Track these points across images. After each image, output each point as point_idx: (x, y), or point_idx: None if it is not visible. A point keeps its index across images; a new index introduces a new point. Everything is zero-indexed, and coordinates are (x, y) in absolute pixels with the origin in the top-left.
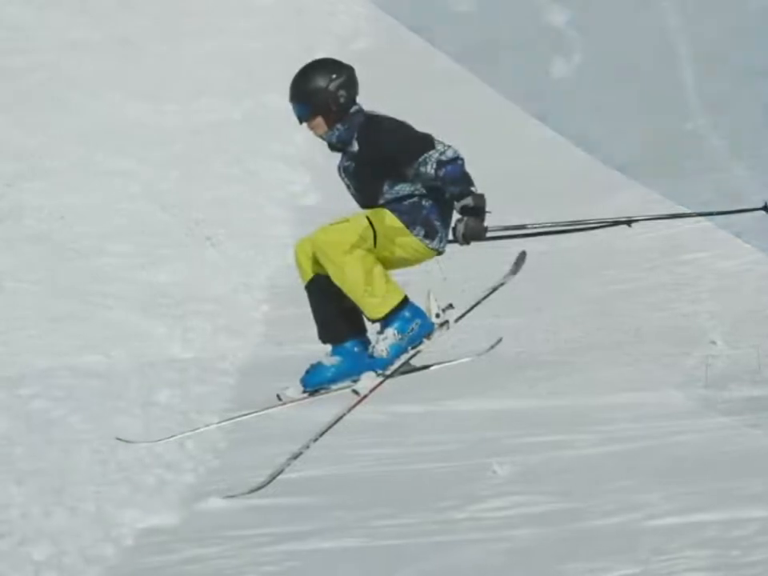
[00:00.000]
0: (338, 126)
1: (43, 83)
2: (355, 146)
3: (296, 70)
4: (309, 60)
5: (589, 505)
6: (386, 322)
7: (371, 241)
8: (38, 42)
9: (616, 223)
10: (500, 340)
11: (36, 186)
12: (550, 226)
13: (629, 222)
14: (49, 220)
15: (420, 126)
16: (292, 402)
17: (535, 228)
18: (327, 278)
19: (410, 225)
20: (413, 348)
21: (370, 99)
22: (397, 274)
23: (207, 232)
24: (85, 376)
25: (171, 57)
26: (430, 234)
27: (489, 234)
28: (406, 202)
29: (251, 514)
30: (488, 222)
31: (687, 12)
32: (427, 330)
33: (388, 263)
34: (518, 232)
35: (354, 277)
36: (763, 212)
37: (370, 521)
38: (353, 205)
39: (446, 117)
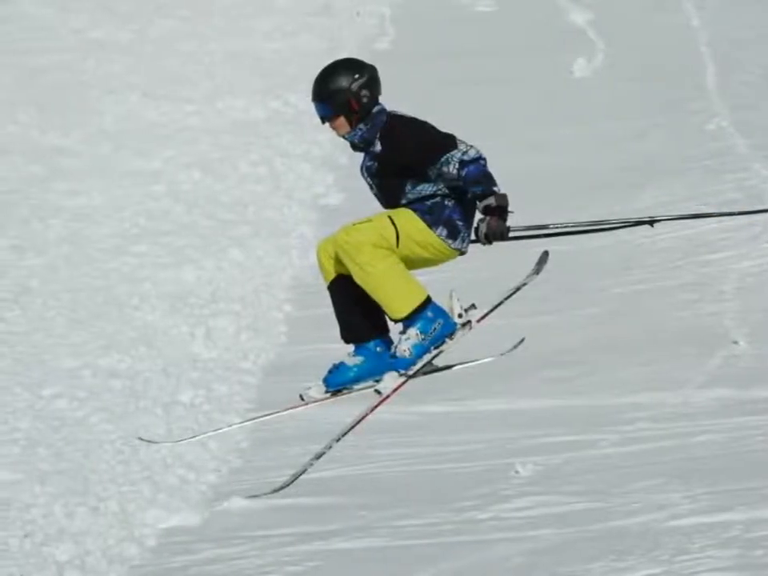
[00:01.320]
0: (361, 126)
1: (65, 83)
2: (378, 146)
3: (319, 70)
4: (332, 60)
5: (611, 505)
6: (408, 321)
7: (393, 240)
8: (60, 42)
9: (639, 223)
10: (522, 340)
11: (60, 186)
12: (573, 226)
13: (651, 222)
14: (73, 220)
15: (442, 126)
16: (315, 401)
17: (557, 228)
18: (349, 278)
19: (432, 225)
20: (435, 348)
21: (392, 99)
22: (419, 274)
23: (231, 232)
24: (108, 376)
25: (195, 56)
26: (452, 234)
27: (511, 234)
28: (428, 202)
29: (274, 514)
30: (510, 221)
31: (709, 11)
32: (450, 330)
33: (410, 263)
34: (541, 232)
35: (376, 277)
36: None
37: (393, 520)
38: (375, 205)
39: (468, 117)
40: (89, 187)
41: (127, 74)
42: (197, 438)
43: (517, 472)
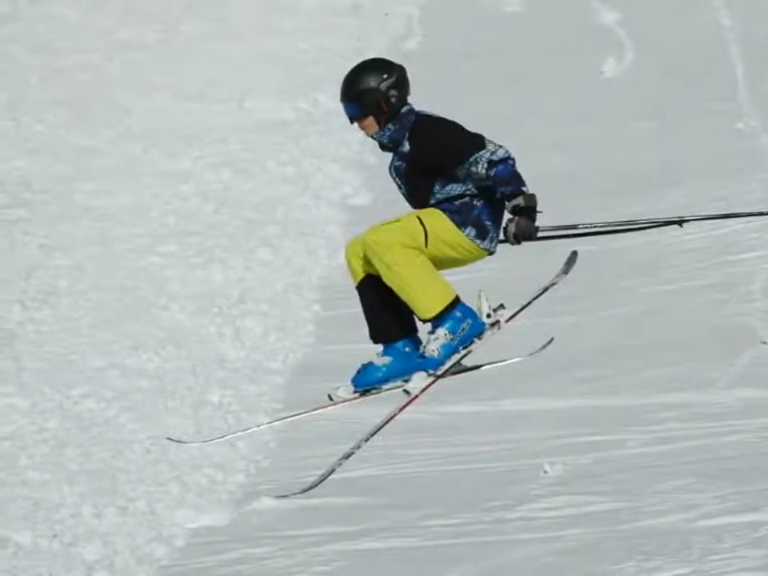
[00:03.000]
0: (389, 126)
1: (92, 83)
2: (406, 146)
3: (347, 70)
4: (360, 60)
5: (640, 505)
6: (437, 321)
7: (422, 240)
8: (87, 42)
9: (667, 223)
10: (551, 340)
11: (88, 186)
12: (602, 226)
13: (680, 222)
14: (101, 220)
15: (471, 126)
16: (343, 402)
17: (586, 228)
18: (378, 278)
19: (461, 225)
20: (464, 348)
21: (421, 99)
22: (447, 274)
23: (260, 232)
24: (136, 376)
25: (223, 56)
26: (481, 234)
27: (540, 234)
28: (457, 202)
29: (302, 514)
30: (539, 221)
31: (739, 11)
32: (478, 330)
33: (439, 263)
34: (569, 232)
35: (404, 277)
36: None
37: (421, 521)
38: (404, 205)
39: (497, 117)
40: (117, 187)
41: (155, 74)
42: (225, 437)
43: (545, 472)
